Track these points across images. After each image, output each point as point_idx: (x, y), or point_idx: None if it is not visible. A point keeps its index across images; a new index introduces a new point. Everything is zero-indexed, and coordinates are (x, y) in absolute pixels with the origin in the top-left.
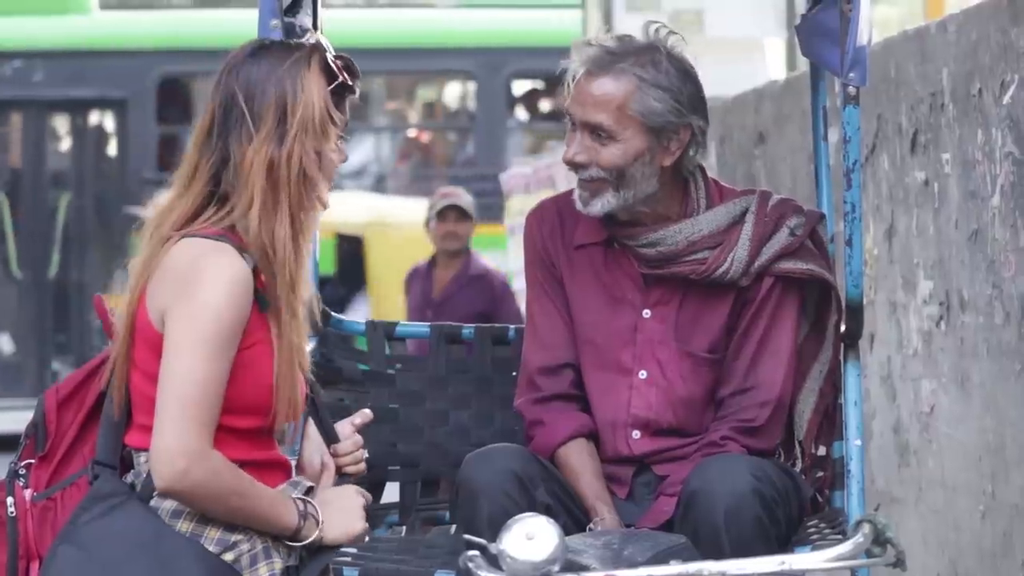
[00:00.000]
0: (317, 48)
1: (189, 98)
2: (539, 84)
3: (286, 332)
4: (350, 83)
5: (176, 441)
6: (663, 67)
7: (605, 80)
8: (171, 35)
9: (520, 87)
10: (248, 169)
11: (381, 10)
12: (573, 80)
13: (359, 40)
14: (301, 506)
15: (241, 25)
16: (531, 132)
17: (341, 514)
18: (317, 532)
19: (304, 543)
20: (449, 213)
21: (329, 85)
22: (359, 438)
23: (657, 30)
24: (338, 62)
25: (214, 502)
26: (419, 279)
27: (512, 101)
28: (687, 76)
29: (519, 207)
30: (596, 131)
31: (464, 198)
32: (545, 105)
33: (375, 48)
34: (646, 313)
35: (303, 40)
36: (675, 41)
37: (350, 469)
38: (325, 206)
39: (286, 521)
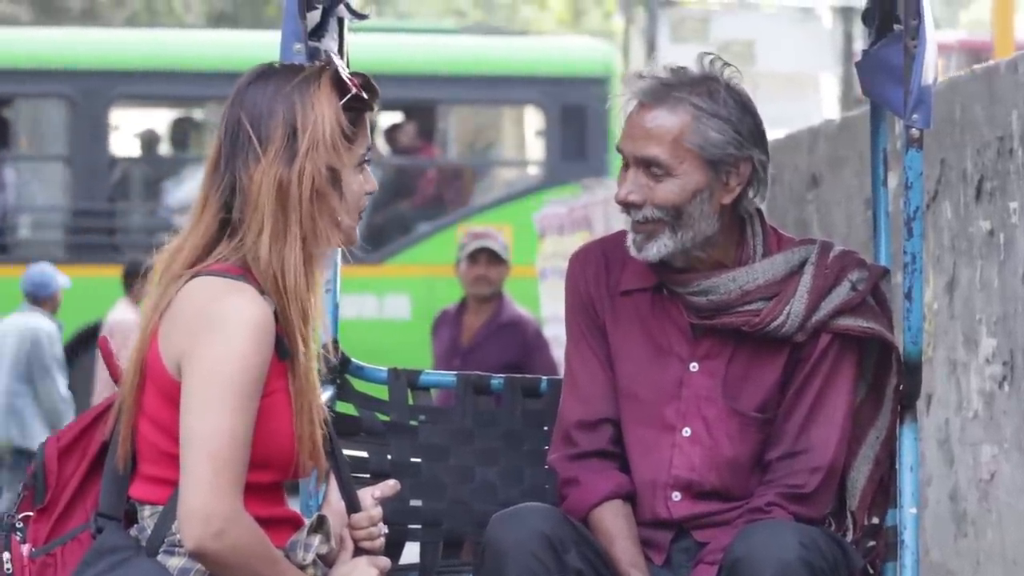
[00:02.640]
0: (328, 65)
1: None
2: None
3: (301, 373)
4: (365, 97)
5: (210, 502)
6: (721, 97)
7: (660, 112)
8: None
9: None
10: (257, 192)
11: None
12: (624, 114)
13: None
14: None
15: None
16: None
17: None
18: None
19: None
20: (480, 256)
21: (341, 100)
22: (378, 512)
23: (712, 61)
24: (353, 78)
25: (244, 569)
26: (447, 325)
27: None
28: (746, 108)
29: (552, 249)
30: (650, 166)
31: (498, 240)
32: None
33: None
34: (693, 366)
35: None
36: (731, 73)
37: (364, 545)
38: (350, 240)
39: None
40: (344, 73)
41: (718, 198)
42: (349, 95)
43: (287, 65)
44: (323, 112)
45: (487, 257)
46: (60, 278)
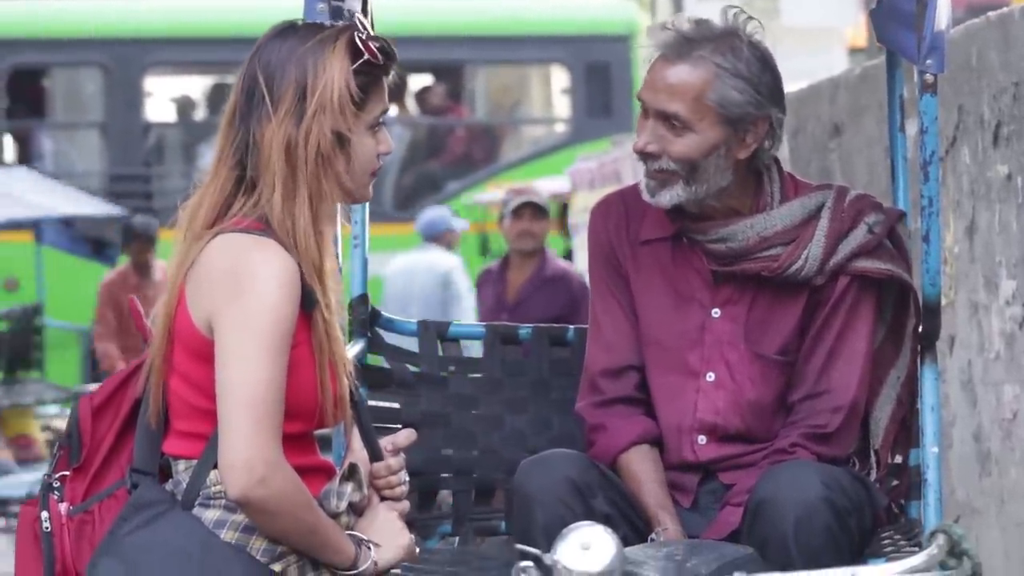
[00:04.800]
0: (348, 28)
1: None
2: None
3: (320, 326)
4: (380, 62)
5: (252, 450)
6: (743, 55)
7: (682, 67)
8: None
9: None
10: (268, 151)
11: None
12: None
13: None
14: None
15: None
16: None
17: (383, 534)
18: (371, 561)
19: (359, 572)
20: (524, 211)
21: (353, 64)
22: (396, 460)
23: (736, 15)
24: (370, 43)
25: (287, 515)
26: (491, 282)
27: None
28: (766, 65)
29: (584, 203)
30: (670, 120)
31: (541, 195)
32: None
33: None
34: (715, 312)
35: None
36: (753, 27)
37: (385, 494)
38: (356, 199)
39: (346, 547)
40: (360, 38)
41: (734, 153)
42: (361, 60)
43: (308, 24)
44: (333, 76)
45: (531, 211)
46: (454, 220)
